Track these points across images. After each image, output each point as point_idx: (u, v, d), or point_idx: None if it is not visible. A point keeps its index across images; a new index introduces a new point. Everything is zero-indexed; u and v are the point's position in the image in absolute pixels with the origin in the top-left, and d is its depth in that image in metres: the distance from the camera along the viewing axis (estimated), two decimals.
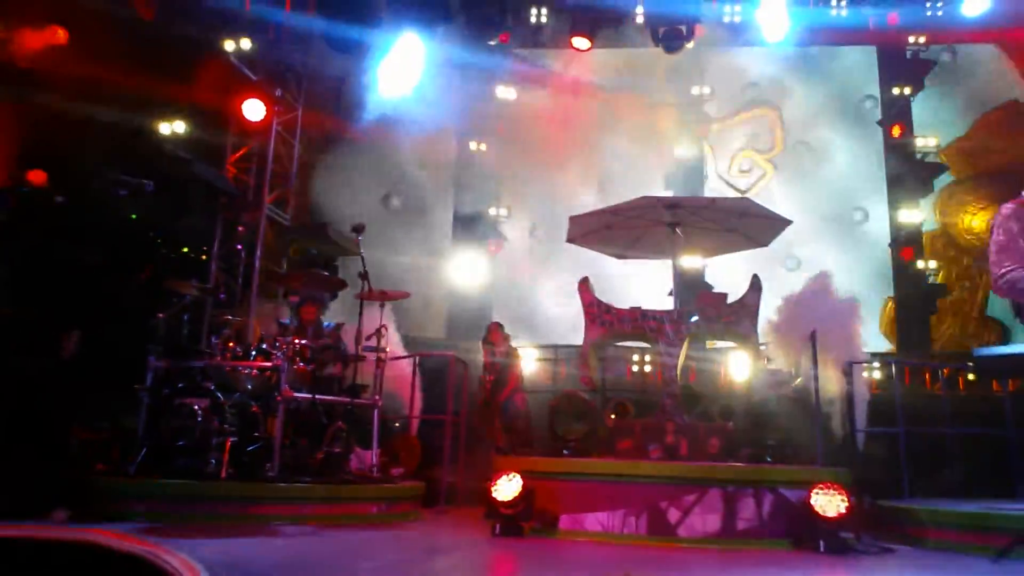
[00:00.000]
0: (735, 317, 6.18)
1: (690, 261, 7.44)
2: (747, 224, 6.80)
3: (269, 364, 6.20)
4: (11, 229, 7.53)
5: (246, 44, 9.83)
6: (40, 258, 8.15)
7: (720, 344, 6.88)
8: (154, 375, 6.25)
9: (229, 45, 9.81)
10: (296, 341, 6.34)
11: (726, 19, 9.57)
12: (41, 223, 8.05)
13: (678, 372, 6.18)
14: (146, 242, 8.66)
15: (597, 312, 6.67)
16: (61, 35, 8.99)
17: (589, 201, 9.04)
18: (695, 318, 6.35)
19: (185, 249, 8.56)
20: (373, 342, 6.47)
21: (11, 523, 5.06)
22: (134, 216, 8.74)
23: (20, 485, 5.40)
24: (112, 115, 8.92)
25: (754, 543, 4.98)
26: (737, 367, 6.50)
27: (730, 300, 6.29)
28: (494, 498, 5.29)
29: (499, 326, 7.49)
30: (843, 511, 4.71)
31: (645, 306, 6.49)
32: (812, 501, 4.78)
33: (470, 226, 9.37)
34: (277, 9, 10.54)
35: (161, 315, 6.41)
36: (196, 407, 5.88)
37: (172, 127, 10.03)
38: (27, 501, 5.38)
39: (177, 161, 9.28)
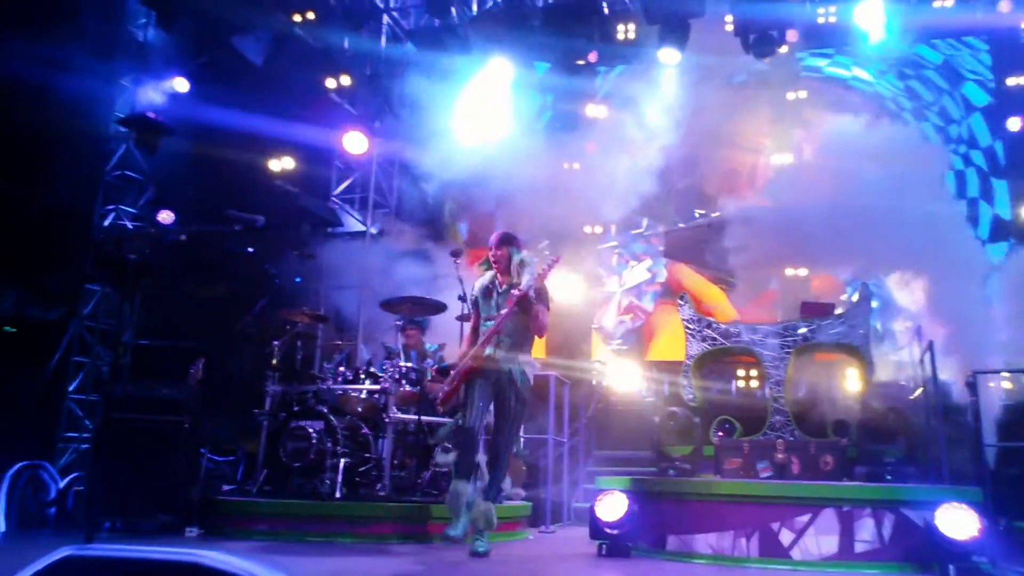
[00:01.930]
0: (843, 328, 5.95)
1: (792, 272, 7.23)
2: None
3: (377, 387, 6.45)
4: (145, 267, 8.18)
5: (346, 80, 10.31)
6: (169, 293, 8.82)
7: (831, 357, 6.63)
8: (271, 400, 6.61)
9: (331, 82, 10.32)
10: (401, 364, 6.57)
11: (820, 20, 9.28)
12: (169, 261, 8.72)
13: (786, 387, 5.98)
14: (261, 274, 9.21)
15: (697, 328, 6.55)
16: (182, 85, 9.74)
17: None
18: (802, 330, 6.16)
19: (297, 279, 9.03)
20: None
21: (146, 539, 5.46)
22: (250, 249, 9.33)
23: (157, 503, 5.83)
24: (227, 155, 9.57)
25: (876, 567, 4.73)
26: (850, 380, 6.23)
27: (838, 311, 6.06)
28: (599, 518, 5.28)
29: None
30: (975, 533, 4.42)
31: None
32: (938, 522, 4.51)
33: (565, 244, 9.42)
34: (374, 43, 11.03)
35: (276, 342, 6.78)
36: (311, 430, 6.17)
37: (281, 163, 10.65)
38: (162, 518, 5.80)
39: (286, 195, 9.82)
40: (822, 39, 9.58)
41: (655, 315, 10.58)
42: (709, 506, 5.29)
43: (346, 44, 11.00)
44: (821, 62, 10.12)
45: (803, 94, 9.27)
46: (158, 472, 5.84)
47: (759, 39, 8.48)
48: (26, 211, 7.96)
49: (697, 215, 9.14)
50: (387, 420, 6.26)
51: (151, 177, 9.49)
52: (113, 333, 8.75)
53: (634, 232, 10.84)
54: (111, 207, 9.15)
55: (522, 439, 7.12)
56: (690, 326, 6.64)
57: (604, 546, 5.25)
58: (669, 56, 9.01)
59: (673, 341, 8.81)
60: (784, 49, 8.57)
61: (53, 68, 8.15)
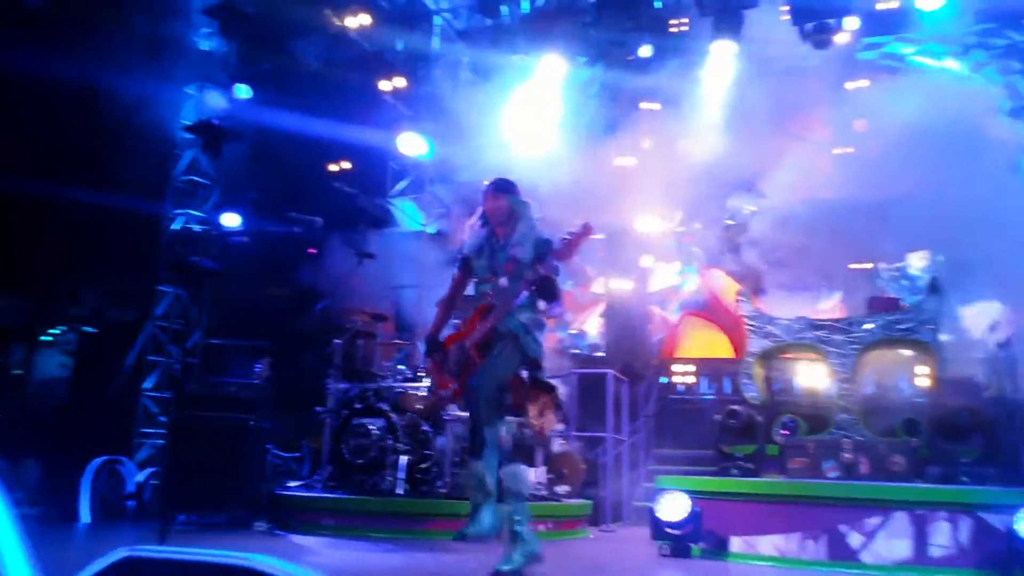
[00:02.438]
0: (913, 323, 5.76)
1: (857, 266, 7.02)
2: None
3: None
4: (211, 269, 8.48)
5: (400, 82, 10.45)
6: (236, 293, 9.11)
7: (900, 353, 6.42)
8: (334, 397, 6.75)
9: (385, 85, 10.47)
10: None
11: (879, 6, 8.97)
12: (235, 262, 9.01)
13: (852, 384, 5.82)
14: (321, 273, 9.41)
15: (758, 324, 6.44)
16: (244, 92, 10.04)
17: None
18: (868, 325, 5.98)
19: (355, 279, 9.18)
20: None
21: (217, 533, 5.65)
22: (312, 250, 9.54)
23: (227, 498, 6.03)
24: (287, 158, 9.82)
25: (953, 573, 4.57)
26: (920, 376, 6.02)
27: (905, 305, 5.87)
28: (660, 518, 5.23)
29: None
30: None
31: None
32: (1020, 527, 4.33)
33: (621, 240, 9.36)
34: (427, 45, 11.15)
35: (337, 341, 6.91)
36: (372, 427, 6.28)
37: (339, 165, 10.86)
38: (232, 513, 6.00)
39: (344, 196, 10.02)
40: (883, 25, 9.25)
41: (679, 329, 9.56)
42: (774, 507, 5.19)
43: (399, 47, 11.15)
44: (882, 49, 9.77)
45: (864, 83, 8.96)
46: (227, 468, 6.03)
47: (816, 28, 8.24)
48: (103, 216, 8.30)
49: (747, 211, 8.84)
50: (446, 417, 6.33)
51: (216, 181, 9.79)
52: (184, 333, 9.06)
53: (665, 228, 10.01)
54: (180, 211, 9.46)
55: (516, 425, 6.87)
56: (751, 322, 6.53)
57: (666, 547, 5.20)
58: (723, 48, 8.84)
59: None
60: (843, 37, 8.31)
61: (125, 77, 8.48)
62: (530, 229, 4.03)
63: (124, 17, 9.09)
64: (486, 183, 4.26)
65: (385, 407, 6.43)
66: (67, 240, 8.41)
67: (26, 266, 8.24)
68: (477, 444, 3.89)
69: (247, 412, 6.45)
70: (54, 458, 6.33)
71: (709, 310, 9.34)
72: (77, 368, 8.60)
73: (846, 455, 5.36)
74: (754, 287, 6.93)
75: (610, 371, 7.27)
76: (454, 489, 5.96)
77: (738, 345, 7.84)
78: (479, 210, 4.48)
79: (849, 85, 9.07)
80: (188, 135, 9.63)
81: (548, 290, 3.96)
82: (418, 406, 6.60)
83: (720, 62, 8.97)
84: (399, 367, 6.88)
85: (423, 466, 6.34)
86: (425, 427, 6.47)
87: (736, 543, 5.25)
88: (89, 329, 8.94)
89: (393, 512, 5.84)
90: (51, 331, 9.28)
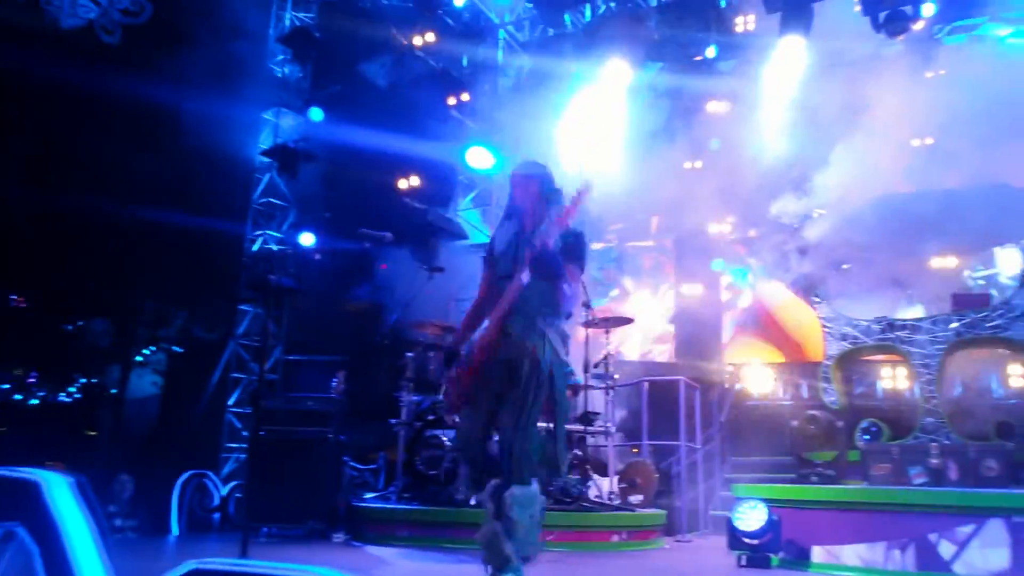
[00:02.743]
0: (1003, 320, 5.44)
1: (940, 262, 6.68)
2: None
3: None
4: (288, 288, 8.81)
5: (466, 96, 10.62)
6: (312, 310, 9.42)
7: (990, 352, 6.07)
8: (407, 409, 6.87)
9: (451, 100, 10.66)
10: None
11: None
12: (311, 280, 9.34)
13: (938, 386, 5.54)
14: (393, 288, 9.63)
15: (836, 326, 6.22)
16: (317, 114, 10.41)
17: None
18: (953, 324, 5.68)
19: (426, 292, 9.35)
20: (601, 369, 6.59)
21: (297, 544, 5.83)
22: (383, 265, 9.78)
23: (306, 510, 6.22)
24: (359, 176, 10.12)
25: None
26: (1013, 377, 5.68)
27: (994, 301, 5.55)
28: (737, 527, 5.10)
29: None
30: None
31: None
32: None
33: (691, 244, 9.20)
34: (492, 59, 11.29)
35: (409, 354, 7.04)
36: (445, 439, 6.36)
37: (408, 180, 11.10)
38: (311, 525, 6.18)
39: (414, 211, 10.23)
40: (961, 8, 8.79)
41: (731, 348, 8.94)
42: (857, 515, 4.98)
43: (465, 62, 11.33)
44: (973, 32, 9.27)
45: (942, 72, 8.53)
46: (306, 480, 6.21)
47: (890, 16, 7.92)
48: (188, 240, 8.74)
49: (816, 215, 8.36)
50: None
51: (292, 202, 10.16)
52: (264, 350, 9.43)
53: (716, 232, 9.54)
54: (259, 232, 9.87)
55: (609, 446, 6.67)
56: (828, 325, 6.33)
57: (744, 557, 5.06)
58: (793, 44, 8.60)
59: None
60: (919, 25, 7.95)
61: (206, 104, 8.92)
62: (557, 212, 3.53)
63: (204, 47, 9.56)
64: (515, 168, 3.87)
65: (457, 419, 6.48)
66: (155, 264, 8.90)
67: (117, 290, 8.76)
68: (501, 503, 3.38)
69: (324, 425, 6.64)
70: (147, 472, 6.68)
71: (763, 329, 8.92)
72: (167, 386, 9.08)
73: (933, 460, 5.10)
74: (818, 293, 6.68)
75: (681, 378, 7.14)
76: None
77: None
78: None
79: (928, 74, 8.68)
80: (266, 159, 10.06)
81: (545, 268, 3.38)
82: None
83: (789, 58, 8.73)
84: None
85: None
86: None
87: (818, 553, 5.06)
88: (177, 349, 9.42)
89: (467, 523, 5.87)
90: (143, 352, 9.85)
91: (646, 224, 11.01)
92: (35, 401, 8.89)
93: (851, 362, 6.21)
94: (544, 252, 3.39)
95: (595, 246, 10.04)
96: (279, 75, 10.55)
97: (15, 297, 9.27)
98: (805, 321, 7.72)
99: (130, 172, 8.71)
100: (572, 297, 3.61)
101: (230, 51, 9.78)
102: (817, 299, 6.70)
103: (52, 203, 8.56)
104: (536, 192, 3.71)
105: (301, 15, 10.89)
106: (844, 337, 6.18)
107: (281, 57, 10.63)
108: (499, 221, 3.94)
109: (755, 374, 7.25)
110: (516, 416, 3.42)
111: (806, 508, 5.18)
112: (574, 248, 3.60)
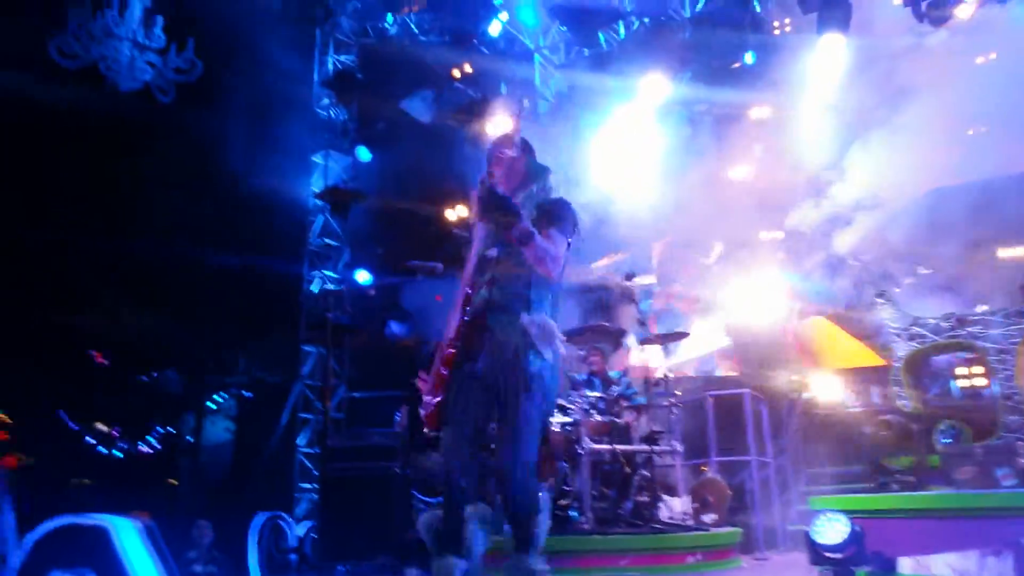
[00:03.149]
0: None
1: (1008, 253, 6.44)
2: None
3: (569, 419, 6.52)
4: (345, 326, 9.01)
5: (507, 123, 10.72)
6: (371, 346, 9.59)
7: None
8: None
9: (492, 127, 10.78)
10: (588, 394, 6.60)
11: None
12: (368, 316, 9.52)
13: (1017, 381, 5.31)
14: (446, 318, 9.74)
15: (902, 326, 6.04)
16: (364, 154, 10.70)
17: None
18: None
19: None
20: (662, 387, 6.52)
21: None
22: (438, 296, 9.91)
23: (378, 546, 6.29)
24: (407, 210, 10.32)
25: None
26: None
27: None
28: (817, 542, 4.95)
29: None
30: None
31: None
32: None
33: (736, 252, 9.08)
34: (529, 84, 11.38)
35: None
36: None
37: (456, 211, 11.24)
38: (383, 560, 6.24)
39: (463, 242, 10.33)
40: None
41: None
42: (944, 522, 4.79)
43: (503, 89, 11.47)
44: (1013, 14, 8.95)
45: (993, 56, 8.23)
46: (376, 516, 6.29)
47: (933, 3, 7.72)
48: (249, 285, 9.04)
49: (858, 220, 7.93)
50: (581, 452, 6.31)
51: (346, 240, 10.41)
52: (329, 389, 9.63)
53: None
54: (316, 272, 10.13)
55: (637, 470, 6.30)
56: (893, 325, 6.15)
57: (827, 572, 4.90)
58: (832, 42, 8.45)
59: None
60: (965, 10, 7.73)
61: (257, 151, 9.25)
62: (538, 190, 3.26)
63: (251, 97, 9.92)
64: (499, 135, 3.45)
65: None
66: (220, 310, 9.23)
67: (186, 339, 9.10)
68: (450, 532, 3.13)
69: (391, 460, 6.72)
70: (225, 517, 6.86)
71: (824, 335, 8.47)
72: (239, 431, 9.34)
73: (1022, 460, 4.88)
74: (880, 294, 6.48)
75: (747, 390, 7.00)
76: (596, 524, 5.92)
77: None
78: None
79: (979, 59, 8.40)
80: (319, 201, 10.35)
81: (493, 205, 2.94)
82: (552, 441, 6.62)
83: (829, 57, 8.58)
84: None
85: (562, 502, 6.33)
86: (561, 463, 6.47)
87: (906, 564, 4.87)
88: (247, 394, 9.70)
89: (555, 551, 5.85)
90: (215, 398, 10.17)
91: (644, 253, 10.02)
92: (118, 453, 9.26)
93: (922, 363, 6.00)
94: (491, 190, 2.96)
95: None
96: (325, 118, 10.88)
97: (94, 353, 9.71)
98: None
99: (191, 222, 9.08)
100: (551, 257, 3.07)
101: (277, 98, 10.14)
102: (880, 300, 6.52)
103: (118, 255, 8.97)
104: (522, 169, 3.32)
105: (343, 58, 11.23)
106: (912, 337, 6.00)
107: (326, 100, 10.96)
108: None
109: (822, 382, 7.06)
110: (513, 443, 3.05)
111: (889, 518, 5.00)
112: (553, 212, 3.21)
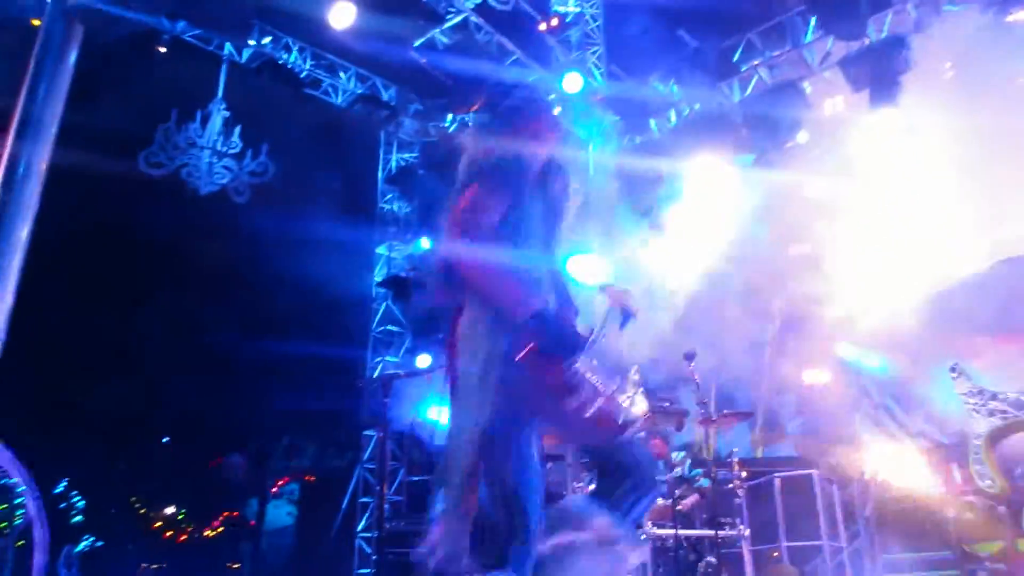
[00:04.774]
0: None
1: None
2: None
3: None
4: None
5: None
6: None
7: None
8: None
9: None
10: None
11: None
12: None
13: None
14: None
15: (980, 401, 5.75)
16: (426, 243, 11.06)
17: None
18: None
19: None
20: (728, 468, 6.31)
21: None
22: None
23: None
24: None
25: None
26: None
27: None
28: None
29: None
30: None
31: None
32: None
33: (799, 325, 8.90)
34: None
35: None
36: None
37: None
38: None
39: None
40: None
41: None
42: None
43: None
44: None
45: None
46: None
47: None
48: (315, 372, 9.30)
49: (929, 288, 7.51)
50: (643, 536, 6.11)
51: (408, 327, 10.65)
52: (390, 473, 9.67)
53: None
54: (379, 359, 10.34)
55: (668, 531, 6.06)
56: (969, 400, 5.87)
57: None
58: (885, 117, 8.45)
59: None
60: None
61: (326, 244, 9.69)
62: None
63: (321, 194, 10.48)
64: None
65: None
66: (286, 395, 9.49)
67: (252, 425, 9.35)
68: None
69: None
70: None
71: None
72: (301, 516, 9.41)
73: None
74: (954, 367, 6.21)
75: (815, 471, 6.71)
76: None
77: None
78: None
79: None
80: (381, 289, 10.69)
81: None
82: None
83: (882, 131, 8.55)
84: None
85: None
86: None
87: None
88: (310, 478, 9.81)
89: None
90: (279, 484, 10.32)
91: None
92: (185, 536, 9.43)
93: (1005, 439, 5.66)
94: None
95: None
96: (389, 211, 11.36)
97: (167, 440, 10.06)
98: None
99: (261, 312, 9.49)
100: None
101: (345, 194, 10.69)
102: (954, 373, 6.24)
103: (197, 348, 9.42)
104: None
105: (406, 156, 11.81)
106: (992, 412, 5.70)
107: (390, 195, 11.47)
108: None
109: (897, 461, 6.71)
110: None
111: None
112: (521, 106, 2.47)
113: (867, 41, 8.90)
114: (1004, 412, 5.65)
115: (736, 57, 10.69)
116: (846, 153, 8.84)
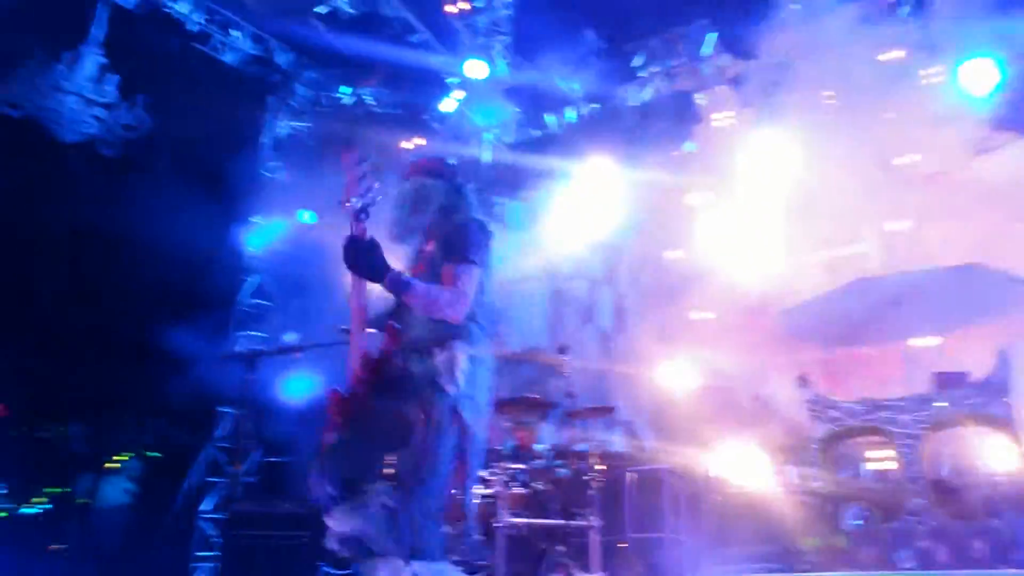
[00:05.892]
0: (981, 398, 5.34)
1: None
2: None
3: (488, 491, 6.32)
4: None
5: None
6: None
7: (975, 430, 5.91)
8: None
9: None
10: (510, 466, 6.43)
11: None
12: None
13: (924, 466, 5.37)
14: None
15: (819, 408, 6.14)
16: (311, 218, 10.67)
17: None
18: (937, 403, 5.58)
19: None
20: (586, 460, 6.39)
21: None
22: None
23: None
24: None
25: None
26: (999, 454, 5.51)
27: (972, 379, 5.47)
28: None
29: None
30: None
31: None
32: None
33: (672, 329, 9.20)
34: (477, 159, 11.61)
35: None
36: None
37: None
38: None
39: None
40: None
41: None
42: None
43: (454, 163, 11.62)
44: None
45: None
46: None
47: None
48: (173, 341, 8.72)
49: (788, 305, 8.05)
50: (498, 525, 6.09)
51: (278, 302, 10.24)
52: (242, 452, 9.23)
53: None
54: (244, 333, 9.89)
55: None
56: (813, 407, 6.26)
57: None
58: (770, 135, 8.81)
59: None
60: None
61: (198, 207, 9.11)
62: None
63: (199, 157, 9.86)
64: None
65: None
66: (139, 368, 8.86)
67: (93, 394, 8.68)
68: None
69: (303, 529, 6.40)
70: None
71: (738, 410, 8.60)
72: (140, 494, 8.83)
73: (922, 543, 4.88)
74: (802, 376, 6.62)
75: (665, 467, 6.93)
76: None
77: None
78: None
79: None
80: (255, 262, 10.23)
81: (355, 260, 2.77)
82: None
83: (768, 148, 8.88)
84: None
85: (476, 575, 6.08)
86: (476, 536, 6.24)
87: None
88: (154, 454, 9.23)
89: None
90: (116, 458, 9.64)
91: None
92: (2, 514, 8.64)
93: (836, 445, 6.07)
94: (351, 239, 2.70)
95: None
96: (269, 179, 10.90)
97: None
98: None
99: (116, 275, 8.84)
100: (445, 302, 2.81)
101: (226, 157, 10.14)
102: (802, 382, 6.62)
103: (37, 309, 8.66)
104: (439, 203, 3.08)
105: (295, 123, 11.36)
106: (830, 420, 6.09)
107: (273, 163, 11.01)
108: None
109: (740, 461, 7.03)
110: (414, 468, 2.65)
111: None
112: (455, 242, 2.91)
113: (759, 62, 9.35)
114: (840, 419, 6.05)
115: (637, 63, 10.97)
116: (727, 165, 9.19)
